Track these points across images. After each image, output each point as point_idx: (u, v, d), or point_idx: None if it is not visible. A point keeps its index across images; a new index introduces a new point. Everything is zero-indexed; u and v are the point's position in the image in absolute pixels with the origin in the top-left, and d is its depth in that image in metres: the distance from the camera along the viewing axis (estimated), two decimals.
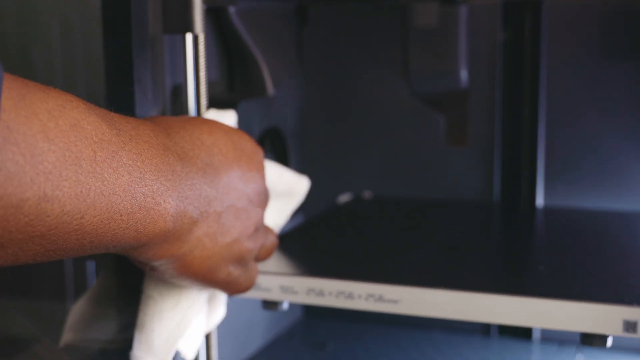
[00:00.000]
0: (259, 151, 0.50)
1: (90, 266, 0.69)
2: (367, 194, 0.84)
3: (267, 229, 0.53)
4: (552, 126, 0.77)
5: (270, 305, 0.58)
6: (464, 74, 0.79)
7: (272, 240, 0.53)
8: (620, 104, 0.75)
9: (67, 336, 0.55)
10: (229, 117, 0.56)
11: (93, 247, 0.37)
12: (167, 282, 0.50)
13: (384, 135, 0.84)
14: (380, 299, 0.54)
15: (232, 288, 0.50)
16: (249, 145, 0.49)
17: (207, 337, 0.60)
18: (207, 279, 0.47)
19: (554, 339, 0.78)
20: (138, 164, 0.38)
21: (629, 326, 0.47)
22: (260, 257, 0.53)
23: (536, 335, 0.78)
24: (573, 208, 0.77)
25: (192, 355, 0.53)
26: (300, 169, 0.85)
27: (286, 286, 0.56)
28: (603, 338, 0.49)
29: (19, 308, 0.67)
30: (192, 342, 0.53)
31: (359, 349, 0.77)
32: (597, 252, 0.64)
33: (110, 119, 0.38)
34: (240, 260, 0.48)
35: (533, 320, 0.50)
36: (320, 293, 0.55)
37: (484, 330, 0.81)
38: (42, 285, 0.70)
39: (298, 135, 0.84)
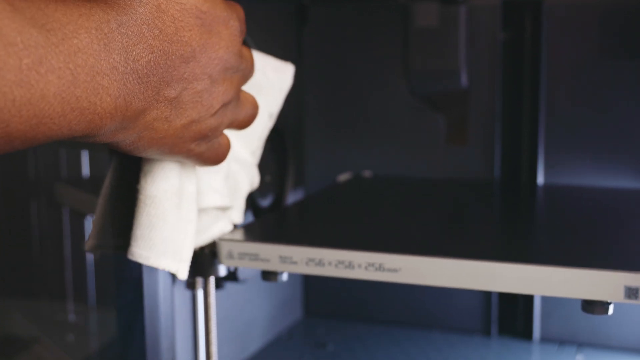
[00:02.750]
0: (232, 24, 0.46)
1: (90, 266, 0.69)
2: (367, 173, 0.84)
3: (245, 100, 0.51)
4: (551, 126, 0.77)
5: (269, 275, 0.57)
6: (464, 74, 0.79)
7: (246, 113, 0.51)
8: (620, 104, 0.75)
9: (89, 241, 0.54)
10: None
11: (25, 146, 0.36)
12: (168, 180, 0.50)
13: (384, 131, 0.84)
14: (380, 268, 0.53)
15: (197, 162, 0.49)
16: (222, 20, 0.45)
17: (207, 337, 0.60)
18: (164, 154, 0.46)
19: (554, 339, 0.78)
20: (70, 65, 0.36)
21: (631, 292, 0.47)
22: (236, 128, 0.52)
23: (536, 335, 0.78)
24: (574, 185, 0.77)
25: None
26: (298, 164, 0.85)
27: (285, 256, 0.55)
28: (605, 305, 0.49)
29: (19, 308, 0.67)
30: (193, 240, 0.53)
31: (359, 349, 0.77)
32: (598, 225, 0.64)
33: (42, 16, 0.36)
34: (203, 137, 0.47)
35: (534, 288, 0.49)
36: (320, 263, 0.55)
37: (484, 330, 0.81)
38: (42, 285, 0.70)
39: (298, 135, 0.84)
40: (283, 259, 0.56)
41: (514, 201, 0.76)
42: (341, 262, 0.54)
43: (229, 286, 0.70)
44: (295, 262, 0.55)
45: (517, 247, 0.58)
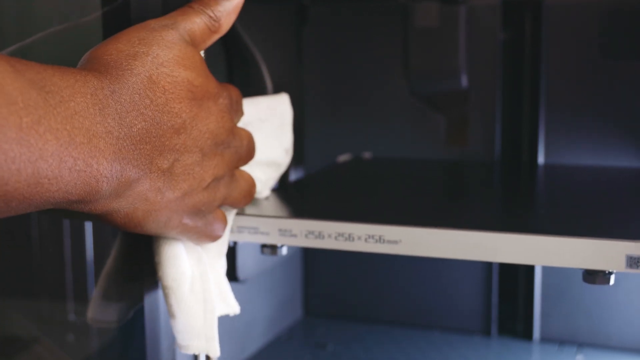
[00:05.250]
0: (222, 102, 0.48)
1: (90, 267, 0.69)
2: (367, 155, 0.84)
3: (240, 176, 0.52)
4: (551, 128, 0.78)
5: (268, 249, 0.57)
6: (464, 74, 0.79)
7: (241, 189, 0.52)
8: (620, 104, 0.75)
9: (89, 314, 0.56)
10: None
11: (22, 209, 0.37)
12: (177, 267, 0.51)
13: (383, 118, 0.84)
14: (380, 240, 0.52)
15: (193, 238, 0.50)
16: (212, 96, 0.47)
17: None
18: (159, 229, 0.46)
19: (554, 339, 0.78)
20: (67, 127, 0.37)
21: (632, 262, 0.47)
22: (233, 204, 0.52)
23: (536, 335, 0.78)
24: (575, 165, 0.77)
25: (235, 307, 0.56)
26: (298, 147, 0.85)
27: (285, 229, 0.55)
28: (606, 275, 0.48)
29: (19, 308, 0.67)
30: (223, 302, 0.55)
31: (359, 349, 0.77)
32: (599, 200, 0.64)
33: (41, 79, 0.37)
34: (197, 211, 0.47)
35: (535, 258, 0.49)
36: (320, 235, 0.54)
37: (484, 330, 0.81)
38: (42, 285, 0.70)
39: (297, 134, 0.84)
40: (282, 232, 0.55)
41: (515, 179, 0.75)
42: (341, 235, 0.54)
43: None
44: (294, 235, 0.55)
45: (518, 218, 0.58)
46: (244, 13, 0.56)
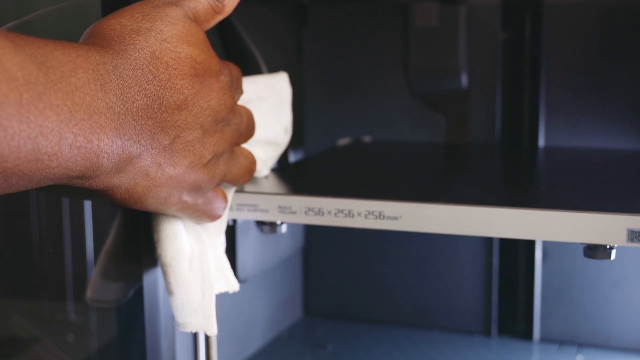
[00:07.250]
0: (223, 79, 0.48)
1: (90, 266, 0.69)
2: (366, 138, 0.84)
3: (240, 153, 0.52)
4: (551, 127, 0.78)
5: (268, 227, 0.57)
6: (464, 74, 0.79)
7: (241, 166, 0.52)
8: (620, 104, 0.75)
9: (88, 294, 0.57)
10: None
11: (22, 185, 0.37)
12: (175, 245, 0.51)
13: (383, 128, 0.84)
14: (380, 215, 0.52)
15: (191, 216, 0.50)
16: (213, 73, 0.47)
17: (207, 337, 0.60)
18: (159, 206, 0.46)
19: (554, 339, 0.78)
20: (68, 103, 0.37)
21: (634, 235, 0.46)
22: (233, 182, 0.52)
23: (536, 335, 0.78)
24: (575, 147, 0.77)
25: (234, 284, 0.56)
26: (298, 144, 0.85)
27: (284, 206, 0.55)
28: (607, 249, 0.48)
29: (19, 308, 0.67)
30: (223, 279, 0.55)
31: (359, 349, 0.77)
32: (599, 178, 0.63)
33: (42, 54, 0.37)
34: (196, 188, 0.47)
35: (535, 233, 0.49)
36: (319, 212, 0.54)
37: (484, 330, 0.81)
38: (42, 285, 0.70)
39: (297, 134, 0.84)
40: (282, 209, 0.55)
41: (516, 160, 0.75)
42: (341, 211, 0.53)
43: None
44: (294, 212, 0.55)
45: (518, 194, 0.57)
46: (244, 13, 0.56)
